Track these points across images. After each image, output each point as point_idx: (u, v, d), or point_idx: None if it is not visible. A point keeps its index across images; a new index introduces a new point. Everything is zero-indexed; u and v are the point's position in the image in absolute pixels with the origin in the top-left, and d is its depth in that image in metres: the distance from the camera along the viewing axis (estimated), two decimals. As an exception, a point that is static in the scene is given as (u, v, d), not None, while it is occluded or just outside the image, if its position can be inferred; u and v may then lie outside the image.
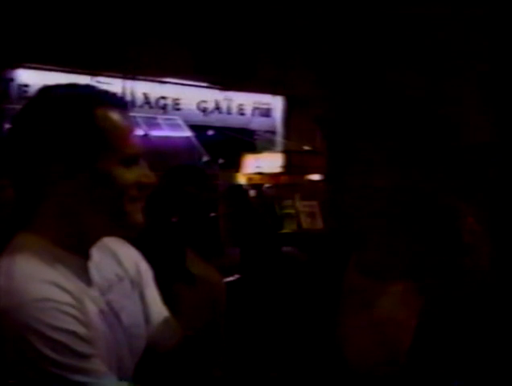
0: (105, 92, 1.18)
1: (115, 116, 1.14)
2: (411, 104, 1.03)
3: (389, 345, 1.01)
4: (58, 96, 1.14)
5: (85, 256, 1.17)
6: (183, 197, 1.85)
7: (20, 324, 0.99)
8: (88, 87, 1.18)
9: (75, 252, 1.14)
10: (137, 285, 1.29)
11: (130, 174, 1.15)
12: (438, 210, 1.01)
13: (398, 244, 1.03)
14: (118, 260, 1.27)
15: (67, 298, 1.05)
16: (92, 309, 1.11)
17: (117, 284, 1.22)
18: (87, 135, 1.11)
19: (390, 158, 1.00)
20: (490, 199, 0.99)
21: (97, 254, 1.20)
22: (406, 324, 1.00)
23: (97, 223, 1.15)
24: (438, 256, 1.02)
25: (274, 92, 11.51)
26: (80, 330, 1.04)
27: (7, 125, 1.15)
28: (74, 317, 1.04)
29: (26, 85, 9.04)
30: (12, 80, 9.18)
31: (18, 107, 1.17)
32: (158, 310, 1.32)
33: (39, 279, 1.04)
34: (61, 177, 1.10)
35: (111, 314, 1.16)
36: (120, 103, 1.19)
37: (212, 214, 1.90)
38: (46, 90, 1.16)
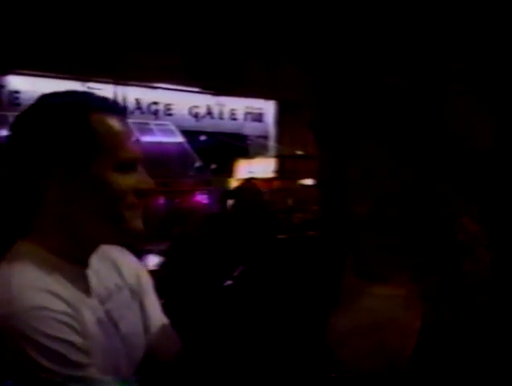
0: (102, 98, 1.18)
1: (110, 121, 1.14)
2: (405, 106, 1.03)
3: (389, 350, 0.98)
4: (54, 103, 1.14)
5: (84, 265, 1.16)
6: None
7: (15, 333, 0.97)
8: (85, 94, 1.18)
9: (73, 262, 1.13)
10: (137, 294, 1.28)
11: (127, 180, 1.13)
12: (433, 211, 1.01)
13: (393, 246, 1.02)
14: (118, 269, 1.27)
15: (63, 307, 1.04)
16: (89, 318, 1.10)
17: (116, 293, 1.21)
18: (81, 139, 1.11)
19: (386, 160, 0.99)
20: (492, 203, 0.98)
21: (96, 263, 1.20)
22: (408, 328, 0.97)
23: (96, 230, 1.14)
24: (434, 256, 1.01)
25: (265, 96, 11.52)
26: (76, 339, 1.03)
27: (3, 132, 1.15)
28: (70, 326, 1.03)
29: (17, 91, 9.02)
30: (3, 86, 9.16)
31: (9, 113, 1.16)
32: (158, 319, 1.31)
33: (35, 287, 1.03)
34: (57, 183, 1.10)
35: (109, 323, 1.15)
36: (117, 108, 1.19)
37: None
38: (43, 98, 1.16)
